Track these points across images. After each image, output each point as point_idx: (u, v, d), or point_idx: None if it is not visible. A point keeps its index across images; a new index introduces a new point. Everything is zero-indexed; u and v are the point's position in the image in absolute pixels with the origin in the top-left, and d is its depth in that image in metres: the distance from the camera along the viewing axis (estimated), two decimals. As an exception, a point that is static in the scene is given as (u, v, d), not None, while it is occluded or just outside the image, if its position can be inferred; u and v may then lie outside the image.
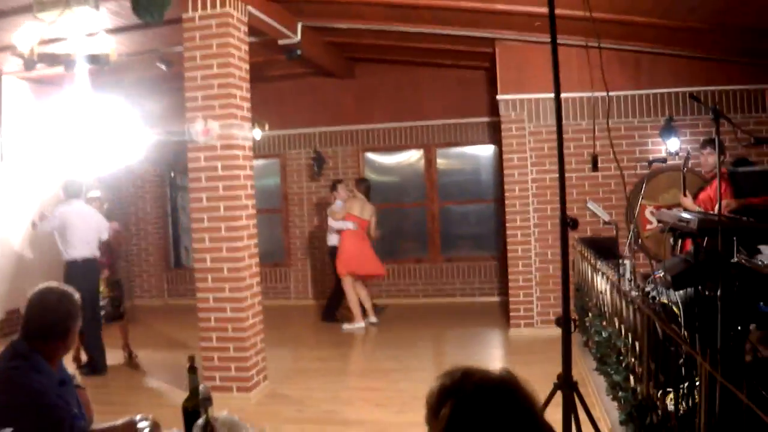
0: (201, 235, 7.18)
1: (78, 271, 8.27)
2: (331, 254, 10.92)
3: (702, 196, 7.12)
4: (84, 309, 3.47)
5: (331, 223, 10.72)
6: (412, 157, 12.71)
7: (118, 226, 9.35)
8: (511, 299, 9.69)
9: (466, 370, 2.00)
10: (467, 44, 9.68)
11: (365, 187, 10.94)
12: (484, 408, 1.89)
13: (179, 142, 10.51)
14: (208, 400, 2.65)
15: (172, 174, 13.48)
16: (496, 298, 11.80)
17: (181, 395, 7.13)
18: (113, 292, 9.05)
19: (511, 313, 9.64)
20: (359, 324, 10.41)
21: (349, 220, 10.50)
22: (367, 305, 10.62)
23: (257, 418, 6.17)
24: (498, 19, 8.37)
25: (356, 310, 10.49)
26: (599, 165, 8.36)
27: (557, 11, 4.05)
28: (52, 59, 6.46)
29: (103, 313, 8.80)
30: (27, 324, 3.26)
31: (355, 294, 10.51)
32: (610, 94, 7.64)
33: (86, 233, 8.53)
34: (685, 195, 7.03)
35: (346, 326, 10.45)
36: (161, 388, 7.78)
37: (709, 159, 7.03)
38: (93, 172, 11.82)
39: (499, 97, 9.50)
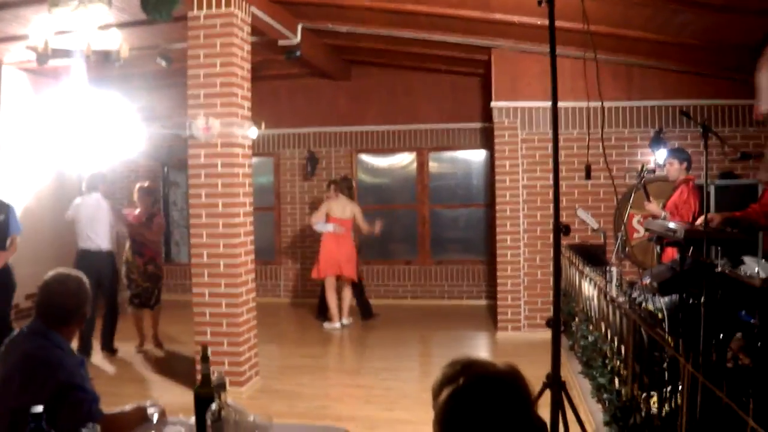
0: (199, 230, 7.31)
1: (86, 261, 8.48)
2: None
3: (669, 202, 7.43)
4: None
5: (314, 226, 10.78)
6: (405, 159, 12.85)
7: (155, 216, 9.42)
8: (499, 303, 9.83)
9: (469, 360, 2.13)
10: (463, 51, 9.83)
11: (347, 186, 11.01)
12: (478, 398, 1.98)
13: (174, 137, 10.64)
14: (222, 386, 2.77)
15: (165, 169, 13.56)
16: (483, 302, 11.95)
17: (174, 388, 7.29)
18: (147, 282, 9.19)
19: (499, 317, 9.78)
20: (336, 324, 10.56)
21: (330, 222, 10.58)
22: (345, 306, 10.77)
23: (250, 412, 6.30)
24: (495, 28, 8.52)
25: (334, 311, 10.61)
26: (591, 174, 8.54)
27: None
28: (65, 54, 6.58)
29: (136, 301, 9.21)
30: (46, 308, 3.41)
31: (334, 295, 10.63)
32: (604, 104, 7.81)
33: (97, 226, 8.74)
34: (649, 201, 7.48)
35: (326, 325, 10.63)
36: (153, 380, 7.94)
37: (671, 169, 7.57)
38: (89, 164, 11.94)
39: (493, 104, 9.65)
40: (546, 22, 4.21)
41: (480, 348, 9.43)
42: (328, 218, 10.59)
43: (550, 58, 4.19)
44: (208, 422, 2.67)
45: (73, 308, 3.42)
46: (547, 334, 4.46)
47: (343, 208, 10.62)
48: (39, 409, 2.30)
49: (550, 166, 6.83)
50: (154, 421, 3.15)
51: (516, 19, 7.93)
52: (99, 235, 8.81)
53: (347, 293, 10.79)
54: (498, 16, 7.94)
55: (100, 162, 10.92)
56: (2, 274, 8.02)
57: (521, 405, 2.01)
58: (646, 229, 6.91)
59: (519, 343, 9.18)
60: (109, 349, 9.04)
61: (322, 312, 11.00)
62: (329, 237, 10.54)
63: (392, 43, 9.68)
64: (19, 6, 7.73)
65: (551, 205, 4.97)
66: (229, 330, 7.23)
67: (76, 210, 8.96)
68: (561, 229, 4.16)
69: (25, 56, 8.75)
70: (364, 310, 11.06)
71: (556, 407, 4.16)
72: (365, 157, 13.02)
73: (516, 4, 7.58)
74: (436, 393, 2.07)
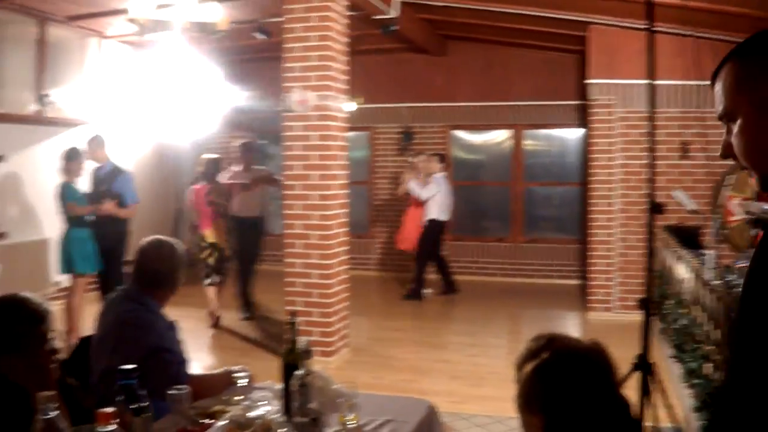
0: (293, 202, 7.42)
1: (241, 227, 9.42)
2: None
3: None
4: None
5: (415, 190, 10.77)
6: (500, 136, 12.77)
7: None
8: (590, 283, 9.72)
9: (553, 335, 2.13)
10: (559, 26, 9.66)
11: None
12: (560, 373, 2.00)
13: (270, 110, 10.79)
14: (307, 354, 2.82)
15: (266, 142, 13.71)
16: (575, 282, 11.80)
17: (265, 355, 7.42)
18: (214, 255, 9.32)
19: (590, 297, 9.67)
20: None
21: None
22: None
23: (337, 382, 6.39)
24: (591, 4, 8.37)
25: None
26: (689, 154, 8.35)
27: None
28: (164, 26, 6.70)
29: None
30: (141, 272, 3.55)
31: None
32: (702, 83, 7.62)
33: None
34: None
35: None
36: (246, 348, 8.13)
37: None
38: (185, 135, 12.21)
39: (588, 80, 9.49)
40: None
41: (569, 328, 9.34)
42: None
43: (647, 34, 4.12)
44: (293, 388, 2.72)
45: (166, 273, 3.56)
46: (638, 317, 4.39)
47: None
48: (129, 366, 2.38)
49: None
50: (241, 384, 3.24)
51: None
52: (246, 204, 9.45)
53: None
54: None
55: (196, 132, 11.18)
56: (116, 239, 8.37)
57: (604, 382, 2.02)
58: (746, 212, 6.74)
59: (609, 324, 9.05)
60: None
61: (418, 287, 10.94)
62: (415, 210, 10.62)
63: (487, 17, 9.59)
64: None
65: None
66: (320, 300, 7.35)
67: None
68: (654, 209, 4.10)
69: (126, 29, 8.96)
70: (447, 286, 11.09)
71: (644, 390, 4.12)
72: (460, 134, 12.97)
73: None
74: (519, 367, 2.08)
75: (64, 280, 9.02)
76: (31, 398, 1.98)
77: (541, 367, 2.02)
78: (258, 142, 12.80)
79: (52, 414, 1.92)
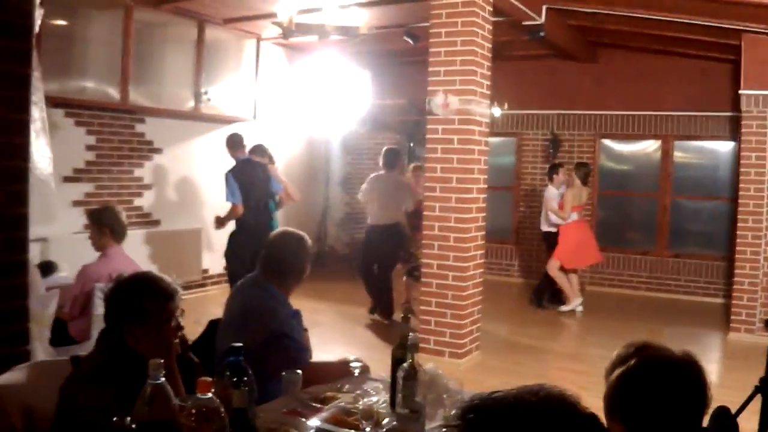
0: (432, 203, 7.54)
1: (372, 235, 9.48)
2: (545, 239, 10.93)
3: None
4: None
5: (552, 217, 10.64)
6: (648, 146, 12.52)
7: None
8: (733, 302, 9.34)
9: (645, 343, 2.15)
10: (711, 35, 9.32)
11: (584, 173, 10.70)
12: (647, 380, 2.02)
13: (420, 113, 10.98)
14: (414, 347, 2.90)
15: (411, 144, 13.88)
16: (719, 300, 11.45)
17: (386, 350, 7.55)
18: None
19: (732, 317, 9.28)
20: (577, 300, 10.49)
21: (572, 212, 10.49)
22: (576, 285, 10.64)
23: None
24: (744, 11, 8.10)
25: (568, 289, 10.54)
26: None
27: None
28: (308, 29, 6.93)
29: (417, 274, 9.30)
30: (267, 261, 3.77)
31: (564, 276, 10.53)
32: None
33: (390, 201, 9.41)
34: None
35: (563, 308, 10.53)
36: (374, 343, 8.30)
37: None
38: (334, 134, 12.56)
39: (741, 91, 9.15)
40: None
41: (707, 348, 9.04)
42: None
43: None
44: (399, 380, 2.81)
45: (291, 264, 3.75)
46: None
47: (580, 196, 10.53)
48: (239, 344, 2.55)
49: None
50: (356, 374, 3.38)
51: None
52: (389, 210, 9.44)
53: (575, 278, 10.69)
54: (752, -2, 7.55)
55: (343, 132, 11.46)
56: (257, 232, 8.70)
57: (690, 396, 2.01)
58: None
59: (750, 346, 8.62)
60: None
61: (539, 296, 10.85)
62: (571, 228, 10.47)
63: (637, 25, 9.42)
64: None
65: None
66: (453, 302, 7.43)
67: (370, 187, 9.58)
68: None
69: (280, 32, 9.29)
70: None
71: (766, 414, 4.00)
72: (608, 142, 12.78)
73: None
74: (608, 372, 2.11)
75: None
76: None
77: (627, 374, 2.05)
78: (402, 145, 13.01)
79: (161, 380, 2.09)
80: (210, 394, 2.13)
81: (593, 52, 12.10)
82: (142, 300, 2.75)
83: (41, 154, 5.80)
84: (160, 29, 9.69)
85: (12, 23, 3.60)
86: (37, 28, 3.81)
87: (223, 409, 2.14)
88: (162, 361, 2.11)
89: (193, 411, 2.09)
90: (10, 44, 3.60)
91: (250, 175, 8.72)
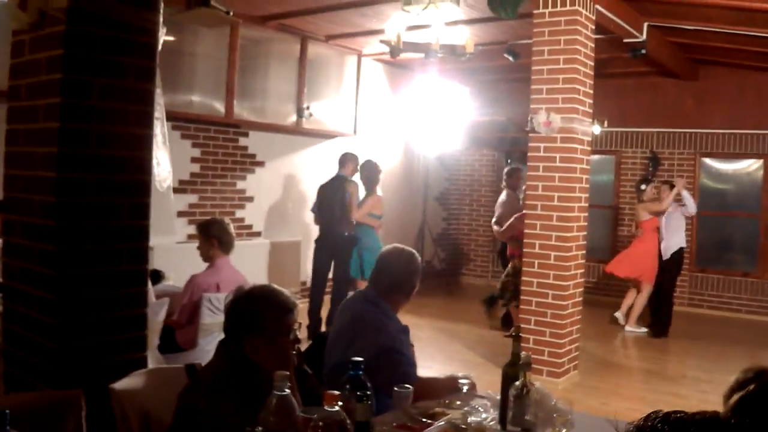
0: (533, 221, 7.53)
1: None
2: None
3: None
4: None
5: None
6: (750, 165, 12.26)
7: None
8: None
9: (762, 368, 2.13)
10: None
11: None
12: (764, 407, 2.01)
13: (518, 130, 10.97)
14: (527, 365, 2.92)
15: (509, 161, 13.86)
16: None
17: (492, 367, 7.54)
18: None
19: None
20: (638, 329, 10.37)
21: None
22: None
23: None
24: None
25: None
26: None
27: None
28: (414, 48, 7.00)
29: None
30: (379, 277, 3.84)
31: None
32: None
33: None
34: None
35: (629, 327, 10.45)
36: (478, 361, 8.29)
37: None
38: (433, 149, 12.64)
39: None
40: None
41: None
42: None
43: None
44: (511, 397, 2.84)
45: (402, 280, 3.81)
46: None
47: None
48: (359, 358, 2.62)
49: None
50: (464, 391, 3.41)
51: None
52: None
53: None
54: None
55: (443, 149, 11.50)
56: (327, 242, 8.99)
57: None
58: None
59: None
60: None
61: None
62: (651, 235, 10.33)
63: (740, 42, 9.22)
64: (378, 3, 8.41)
65: None
66: (552, 321, 7.40)
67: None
68: None
69: (380, 49, 9.40)
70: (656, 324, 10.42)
71: None
72: (707, 161, 12.53)
73: None
74: (726, 397, 2.10)
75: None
76: (269, 378, 2.23)
77: (748, 397, 2.03)
78: (499, 162, 13.02)
79: (286, 391, 2.17)
80: (337, 407, 2.19)
81: (694, 70, 11.90)
82: (264, 312, 2.84)
83: (162, 167, 6.00)
84: (265, 45, 9.91)
85: (137, 42, 3.76)
86: (160, 47, 3.94)
87: (349, 422, 2.20)
88: (288, 373, 2.19)
89: (321, 423, 2.15)
90: (134, 62, 3.76)
91: (326, 188, 9.13)
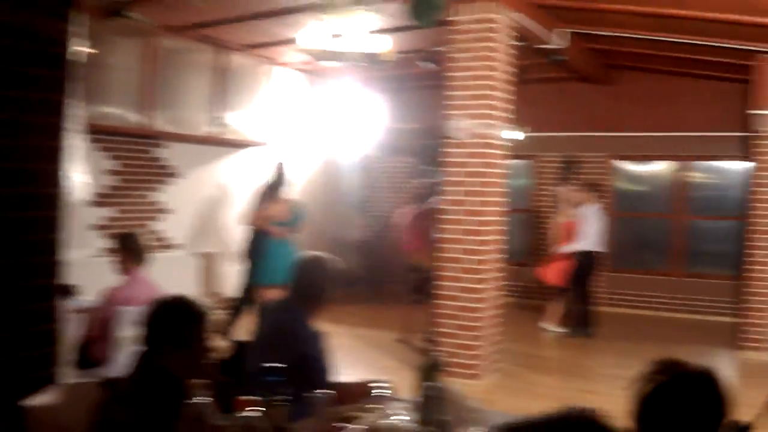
0: (450, 226, 7.62)
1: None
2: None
3: None
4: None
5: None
6: (663, 167, 12.58)
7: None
8: (744, 321, 9.42)
9: (667, 360, 2.22)
10: (727, 56, 9.42)
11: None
12: (670, 396, 2.13)
13: (431, 136, 11.06)
14: (435, 368, 2.97)
15: (425, 167, 13.92)
16: (727, 319, 11.31)
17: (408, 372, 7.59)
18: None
19: (742, 335, 9.37)
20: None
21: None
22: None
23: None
24: (759, 32, 8.15)
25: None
26: None
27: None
28: (333, 56, 7.01)
29: None
30: (296, 285, 3.92)
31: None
32: None
33: None
34: None
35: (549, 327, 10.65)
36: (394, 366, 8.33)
37: None
38: (351, 158, 12.66)
39: (754, 111, 9.24)
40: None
41: (721, 366, 9.04)
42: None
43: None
44: (424, 399, 2.89)
45: (318, 288, 3.84)
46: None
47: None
48: (277, 365, 2.66)
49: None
50: (374, 394, 3.45)
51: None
52: None
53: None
54: (761, 19, 7.53)
55: (358, 156, 11.53)
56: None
57: (711, 405, 2.10)
58: None
59: (761, 364, 8.84)
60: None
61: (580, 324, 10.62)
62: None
63: (653, 47, 9.48)
64: (296, 12, 8.47)
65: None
66: (468, 323, 7.48)
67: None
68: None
69: (299, 58, 9.40)
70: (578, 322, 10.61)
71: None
72: (622, 164, 12.85)
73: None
74: (633, 389, 2.18)
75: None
76: (186, 389, 2.25)
77: (657, 389, 2.12)
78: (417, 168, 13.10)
79: (204, 400, 2.18)
80: (250, 413, 2.21)
81: (610, 74, 12.16)
82: (179, 323, 2.86)
83: (78, 180, 5.92)
84: (181, 56, 9.85)
85: (46, 52, 3.71)
86: (84, 59, 3.89)
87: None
88: (205, 381, 2.20)
89: (242, 430, 2.17)
90: (43, 72, 3.72)
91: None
